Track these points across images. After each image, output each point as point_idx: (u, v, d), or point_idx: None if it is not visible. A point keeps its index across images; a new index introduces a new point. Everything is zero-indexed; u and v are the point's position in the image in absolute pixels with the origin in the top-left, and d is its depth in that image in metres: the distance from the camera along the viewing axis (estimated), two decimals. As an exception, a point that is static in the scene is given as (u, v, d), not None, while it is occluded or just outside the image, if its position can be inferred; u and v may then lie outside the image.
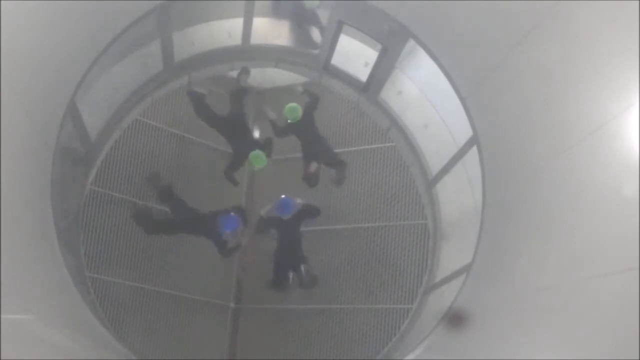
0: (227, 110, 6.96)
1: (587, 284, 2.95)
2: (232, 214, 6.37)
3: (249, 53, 7.08)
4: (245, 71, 7.00)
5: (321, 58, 6.97)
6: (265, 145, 6.93)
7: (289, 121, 6.76)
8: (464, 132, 5.39)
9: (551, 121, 3.63)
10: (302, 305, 7.60)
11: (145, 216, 6.64)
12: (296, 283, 6.83)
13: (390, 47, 6.15)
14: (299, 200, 6.51)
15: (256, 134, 8.40)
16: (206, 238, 6.45)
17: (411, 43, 5.82)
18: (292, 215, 6.40)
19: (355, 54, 7.00)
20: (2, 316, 2.79)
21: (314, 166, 6.82)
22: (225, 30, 6.96)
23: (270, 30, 7.15)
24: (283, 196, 6.47)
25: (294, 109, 6.63)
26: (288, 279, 6.67)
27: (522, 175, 4.10)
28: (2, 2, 3.11)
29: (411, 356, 5.46)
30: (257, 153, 6.62)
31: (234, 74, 7.91)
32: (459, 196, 6.30)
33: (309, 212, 6.55)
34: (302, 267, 6.70)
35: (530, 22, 3.58)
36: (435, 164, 6.64)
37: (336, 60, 6.93)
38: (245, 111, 7.00)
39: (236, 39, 6.90)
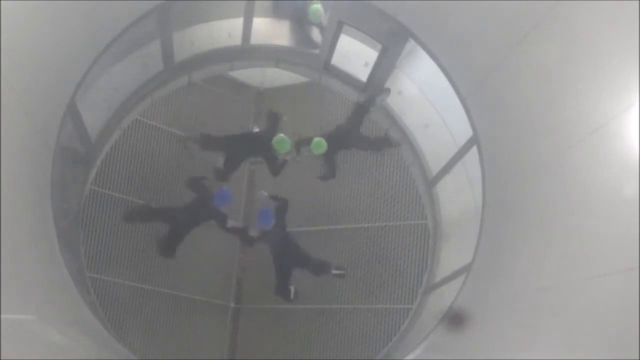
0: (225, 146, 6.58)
1: (587, 284, 2.95)
2: (222, 189, 6.19)
3: (249, 53, 7.07)
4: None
5: (321, 58, 6.97)
6: (273, 123, 6.59)
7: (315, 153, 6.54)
8: (464, 132, 5.39)
9: (551, 121, 3.63)
10: (302, 305, 7.59)
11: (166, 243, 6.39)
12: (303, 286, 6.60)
13: (390, 47, 6.15)
14: (265, 194, 6.35)
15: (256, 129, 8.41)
16: (210, 221, 6.28)
17: (411, 43, 5.83)
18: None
19: (355, 54, 6.99)
20: (2, 316, 2.79)
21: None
22: (225, 30, 6.95)
23: (270, 30, 7.15)
24: (263, 209, 6.30)
25: (319, 144, 6.41)
26: (289, 291, 6.39)
27: (522, 175, 4.10)
28: (2, 2, 3.11)
29: (411, 356, 5.46)
30: (280, 138, 6.33)
31: (235, 74, 7.94)
32: (459, 196, 6.30)
33: (280, 206, 6.31)
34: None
35: (530, 22, 3.58)
36: (435, 164, 6.64)
37: (336, 60, 6.93)
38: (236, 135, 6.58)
39: (236, 39, 6.89)
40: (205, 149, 6.57)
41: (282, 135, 6.36)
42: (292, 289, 6.40)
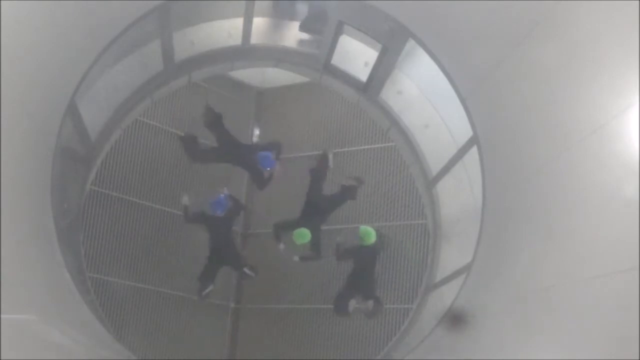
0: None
1: (587, 284, 2.95)
2: (268, 152, 6.51)
3: (249, 53, 7.07)
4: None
5: (321, 58, 6.97)
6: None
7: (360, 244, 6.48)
8: (464, 132, 5.39)
9: (551, 121, 3.63)
10: (302, 305, 7.60)
11: (192, 143, 6.62)
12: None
13: (390, 47, 6.15)
14: (225, 192, 6.51)
15: (256, 134, 8.43)
16: (244, 169, 6.64)
17: (411, 43, 5.82)
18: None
19: (355, 54, 6.99)
20: (2, 316, 2.79)
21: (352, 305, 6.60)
22: (225, 30, 6.95)
23: (270, 30, 7.15)
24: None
25: (367, 232, 6.34)
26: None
27: (522, 175, 4.10)
28: (2, 2, 3.11)
29: (411, 356, 5.47)
30: (300, 231, 6.39)
31: (235, 74, 7.95)
32: (459, 196, 6.30)
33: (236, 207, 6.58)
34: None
35: (530, 22, 3.58)
36: (435, 164, 6.63)
37: (336, 60, 6.92)
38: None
39: (236, 39, 6.89)
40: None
41: (305, 230, 6.37)
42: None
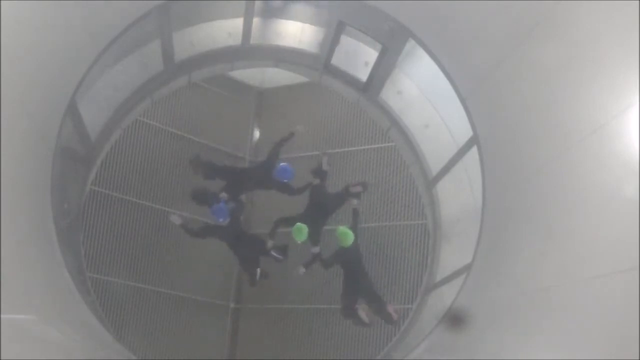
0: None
1: (587, 284, 2.95)
2: (283, 165, 6.32)
3: (249, 53, 7.08)
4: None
5: (321, 58, 6.97)
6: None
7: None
8: (464, 132, 5.39)
9: (551, 121, 3.63)
10: (302, 305, 7.60)
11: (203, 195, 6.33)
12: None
13: (390, 47, 6.15)
14: (224, 196, 6.27)
15: (256, 134, 8.43)
16: (266, 189, 6.48)
17: (411, 43, 5.83)
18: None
19: (355, 54, 7.00)
20: (2, 316, 2.79)
21: (365, 310, 6.33)
22: (225, 30, 6.96)
23: (270, 30, 7.15)
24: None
25: (345, 234, 6.06)
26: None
27: (522, 175, 4.10)
28: (2, 2, 3.11)
29: (411, 356, 5.46)
30: (299, 227, 6.16)
31: (235, 74, 7.95)
32: (459, 196, 6.30)
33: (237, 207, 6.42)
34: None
35: (530, 22, 3.58)
36: (435, 164, 6.64)
37: (336, 60, 6.93)
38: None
39: (236, 39, 6.90)
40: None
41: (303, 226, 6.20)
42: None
